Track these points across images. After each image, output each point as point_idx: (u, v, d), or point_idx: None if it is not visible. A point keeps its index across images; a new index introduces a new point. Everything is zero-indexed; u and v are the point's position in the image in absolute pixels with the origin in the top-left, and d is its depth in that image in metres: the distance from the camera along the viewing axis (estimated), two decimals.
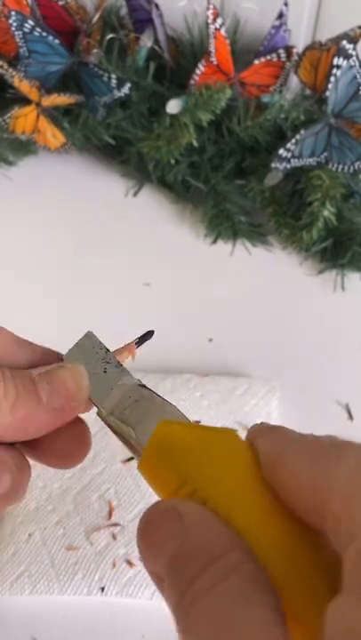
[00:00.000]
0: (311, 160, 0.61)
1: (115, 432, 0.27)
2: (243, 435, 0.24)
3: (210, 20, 0.60)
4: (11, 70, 0.62)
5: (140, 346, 0.30)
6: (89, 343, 0.29)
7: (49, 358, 0.29)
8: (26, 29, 0.62)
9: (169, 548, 0.20)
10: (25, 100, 0.64)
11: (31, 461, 0.28)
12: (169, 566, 0.20)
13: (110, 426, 0.27)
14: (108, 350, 0.29)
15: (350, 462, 0.19)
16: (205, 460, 0.23)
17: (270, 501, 0.21)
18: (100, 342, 0.29)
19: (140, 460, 0.25)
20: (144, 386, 0.28)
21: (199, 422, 0.46)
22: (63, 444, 0.28)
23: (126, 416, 0.26)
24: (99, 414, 0.27)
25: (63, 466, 0.29)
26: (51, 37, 0.63)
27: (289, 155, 0.60)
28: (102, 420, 0.27)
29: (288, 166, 0.61)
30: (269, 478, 0.21)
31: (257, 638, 0.17)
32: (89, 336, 0.30)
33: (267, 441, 0.22)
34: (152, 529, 0.21)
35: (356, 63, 0.58)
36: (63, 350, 0.31)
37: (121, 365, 0.29)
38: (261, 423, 0.24)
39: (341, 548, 0.18)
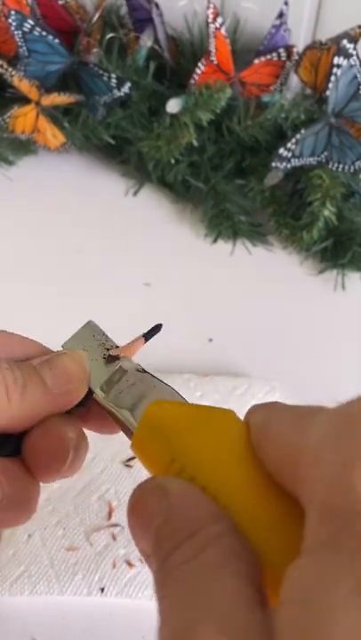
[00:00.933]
0: (311, 159, 0.61)
1: (112, 416, 0.27)
2: None
3: (210, 20, 0.60)
4: (10, 70, 0.62)
5: (148, 340, 0.30)
6: (89, 331, 0.30)
7: (45, 352, 0.29)
8: (25, 29, 0.62)
9: (154, 523, 0.20)
10: (25, 100, 0.64)
11: None
12: (153, 541, 0.20)
13: (107, 409, 0.27)
14: (107, 337, 0.29)
15: (319, 424, 0.19)
16: (195, 438, 0.23)
17: (259, 477, 0.21)
18: (101, 330, 0.30)
19: (133, 438, 0.25)
20: (144, 370, 0.28)
21: None
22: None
23: (122, 399, 0.27)
24: (95, 398, 0.27)
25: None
26: (50, 37, 0.63)
27: (289, 154, 0.60)
28: (99, 403, 0.27)
29: (288, 166, 0.60)
30: (259, 452, 0.21)
31: (227, 610, 0.17)
32: (89, 324, 0.30)
33: (258, 415, 0.22)
34: (139, 507, 0.21)
35: (357, 62, 0.58)
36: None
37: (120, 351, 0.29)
38: (259, 403, 0.24)
39: (305, 507, 0.18)
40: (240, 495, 0.21)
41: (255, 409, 0.23)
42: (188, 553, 0.19)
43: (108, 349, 0.29)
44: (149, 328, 0.30)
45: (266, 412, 0.22)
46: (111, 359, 0.29)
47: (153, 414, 0.25)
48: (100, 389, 0.27)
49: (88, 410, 0.28)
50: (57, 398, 0.26)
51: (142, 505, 0.21)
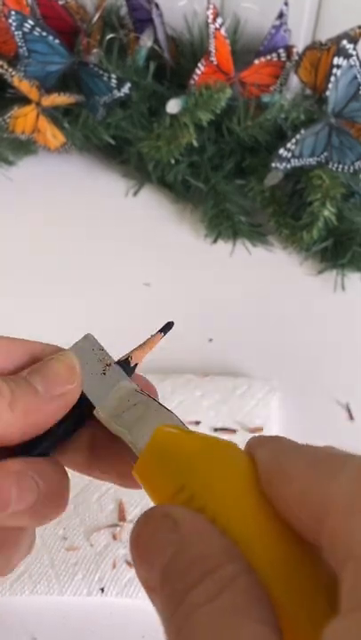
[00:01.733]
0: (311, 160, 0.61)
1: (113, 434, 0.27)
2: (245, 435, 0.24)
3: (210, 20, 0.60)
4: (11, 70, 0.62)
5: (164, 335, 0.30)
6: (88, 345, 0.29)
7: (48, 351, 0.29)
8: (25, 29, 0.62)
9: (163, 556, 0.19)
10: (25, 100, 0.64)
11: None
12: (162, 576, 0.19)
13: (109, 428, 0.27)
14: (106, 352, 0.29)
15: (350, 475, 0.18)
16: (204, 467, 0.22)
17: (269, 513, 0.20)
18: (100, 344, 0.29)
19: (136, 463, 0.25)
20: (142, 391, 0.28)
21: (199, 422, 0.46)
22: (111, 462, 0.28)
23: (124, 419, 0.26)
24: (96, 414, 0.27)
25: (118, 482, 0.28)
26: (51, 37, 0.63)
27: (289, 154, 0.60)
28: (100, 420, 0.27)
29: (288, 166, 0.60)
30: (268, 490, 0.21)
31: None
32: (88, 338, 0.29)
33: (265, 451, 0.21)
34: (146, 536, 0.20)
35: (357, 63, 0.58)
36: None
37: (119, 369, 0.28)
38: (260, 435, 0.23)
39: (339, 565, 0.17)
40: (250, 531, 0.20)
41: (260, 443, 0.22)
42: (205, 596, 0.18)
43: (107, 364, 0.28)
44: (163, 325, 0.30)
45: (275, 449, 0.21)
46: (110, 375, 0.28)
47: (160, 440, 0.24)
48: (100, 407, 0.27)
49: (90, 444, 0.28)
50: (51, 403, 0.26)
51: (149, 534, 0.20)
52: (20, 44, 0.63)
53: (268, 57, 0.64)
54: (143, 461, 0.24)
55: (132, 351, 0.29)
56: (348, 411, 0.50)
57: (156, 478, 0.24)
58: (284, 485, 0.20)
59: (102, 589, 0.39)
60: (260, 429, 0.45)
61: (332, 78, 0.58)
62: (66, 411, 0.27)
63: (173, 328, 0.31)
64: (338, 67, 0.58)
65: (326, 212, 0.58)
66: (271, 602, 0.18)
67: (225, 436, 0.32)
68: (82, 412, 0.27)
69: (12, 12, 0.61)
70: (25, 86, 0.63)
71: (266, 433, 0.45)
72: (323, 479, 0.19)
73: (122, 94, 0.64)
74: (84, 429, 0.28)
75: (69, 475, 0.27)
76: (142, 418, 0.26)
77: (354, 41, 0.58)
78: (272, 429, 0.46)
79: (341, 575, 0.17)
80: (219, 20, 0.60)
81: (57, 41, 0.63)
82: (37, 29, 0.62)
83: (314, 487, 0.19)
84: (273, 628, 0.17)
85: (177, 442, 0.24)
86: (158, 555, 0.19)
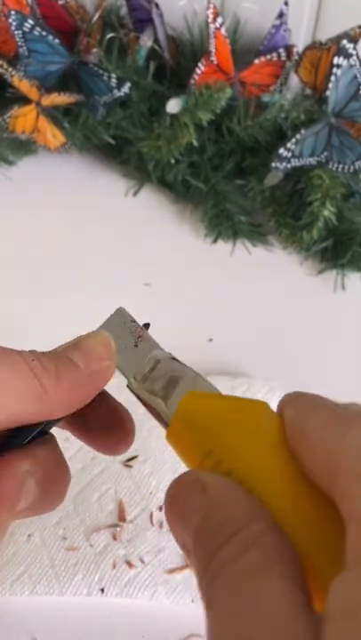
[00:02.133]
0: (311, 160, 0.61)
1: (145, 404, 0.27)
2: None
3: (210, 20, 0.60)
4: (10, 70, 0.62)
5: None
6: (120, 318, 0.29)
7: None
8: (25, 29, 0.62)
9: (194, 520, 0.20)
10: (25, 100, 0.64)
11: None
12: (194, 538, 0.20)
13: (140, 398, 0.27)
14: (139, 325, 0.29)
15: (358, 434, 0.19)
16: (231, 430, 0.23)
17: (295, 472, 0.21)
18: (132, 317, 0.30)
19: (167, 430, 0.25)
20: (175, 359, 0.28)
21: None
22: (109, 432, 0.28)
23: (156, 388, 0.27)
24: (129, 386, 0.27)
25: (110, 451, 0.29)
26: (50, 37, 0.63)
27: (289, 154, 0.60)
28: (132, 392, 0.27)
29: (288, 166, 0.60)
30: (294, 447, 0.21)
31: (276, 611, 0.17)
32: (120, 311, 0.30)
33: (292, 409, 0.22)
34: (178, 501, 0.21)
35: (357, 63, 0.58)
36: None
37: (152, 339, 0.29)
38: (291, 392, 0.24)
39: (346, 519, 0.18)
40: (277, 491, 0.21)
41: (288, 401, 0.23)
42: (232, 554, 0.19)
43: (140, 336, 0.29)
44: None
45: (300, 407, 0.22)
46: (143, 346, 0.28)
47: (188, 406, 0.25)
48: (133, 378, 0.27)
49: (92, 417, 0.28)
50: (92, 378, 0.26)
51: (181, 499, 0.21)
52: (20, 43, 0.63)
53: (268, 57, 0.64)
54: (173, 428, 0.25)
55: None
56: None
57: (187, 444, 0.24)
58: (304, 442, 0.21)
59: (102, 589, 0.39)
60: None
61: (333, 78, 0.58)
62: (103, 386, 0.27)
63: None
64: (338, 66, 0.58)
65: (326, 212, 0.58)
66: (298, 559, 0.19)
67: None
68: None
69: (12, 12, 0.61)
70: (25, 86, 0.63)
71: None
72: (336, 434, 0.20)
73: (122, 94, 0.64)
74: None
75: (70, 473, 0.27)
76: (174, 386, 0.26)
77: (354, 41, 0.58)
78: None
79: (347, 530, 0.18)
80: (219, 20, 0.60)
81: (57, 41, 0.63)
82: (37, 29, 0.62)
83: (328, 442, 0.20)
84: (297, 583, 0.18)
85: (204, 407, 0.24)
86: (190, 518, 0.20)
